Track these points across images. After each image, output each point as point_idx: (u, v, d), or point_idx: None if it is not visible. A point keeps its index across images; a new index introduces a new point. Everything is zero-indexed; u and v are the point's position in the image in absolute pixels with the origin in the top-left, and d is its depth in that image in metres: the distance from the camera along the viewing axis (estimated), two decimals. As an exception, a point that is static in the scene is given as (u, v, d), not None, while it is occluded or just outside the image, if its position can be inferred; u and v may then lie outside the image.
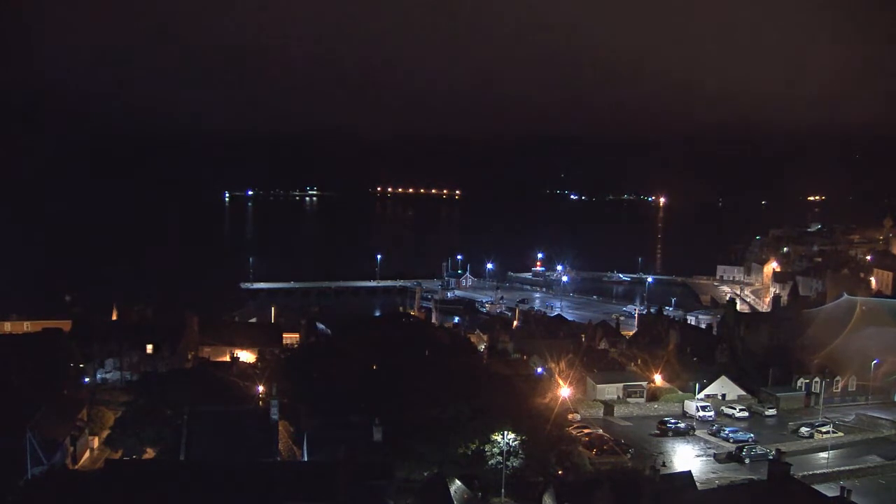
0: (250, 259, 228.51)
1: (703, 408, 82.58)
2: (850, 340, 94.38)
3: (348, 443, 54.67)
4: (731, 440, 74.88)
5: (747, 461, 68.91)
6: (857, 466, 68.89)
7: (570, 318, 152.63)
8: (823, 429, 76.89)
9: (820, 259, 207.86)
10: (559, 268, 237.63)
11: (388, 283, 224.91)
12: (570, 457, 64.61)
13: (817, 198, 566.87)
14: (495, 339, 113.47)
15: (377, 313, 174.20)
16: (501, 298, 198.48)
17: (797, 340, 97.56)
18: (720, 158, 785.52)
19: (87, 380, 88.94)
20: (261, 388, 77.20)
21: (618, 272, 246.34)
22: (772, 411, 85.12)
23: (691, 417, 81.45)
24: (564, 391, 79.46)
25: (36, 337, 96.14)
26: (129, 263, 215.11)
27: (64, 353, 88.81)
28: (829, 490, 56.27)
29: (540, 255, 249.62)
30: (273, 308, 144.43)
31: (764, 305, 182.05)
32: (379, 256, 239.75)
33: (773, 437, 77.24)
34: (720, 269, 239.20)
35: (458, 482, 53.55)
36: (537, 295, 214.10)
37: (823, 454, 71.66)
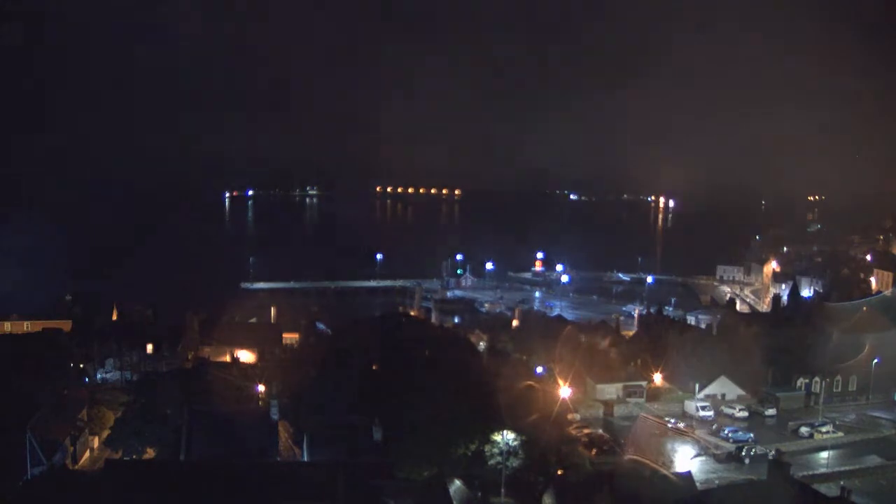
0: (250, 259, 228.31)
1: (703, 408, 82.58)
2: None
3: (348, 443, 54.80)
4: (731, 440, 74.85)
5: (747, 461, 68.94)
6: (857, 466, 69.00)
7: (570, 318, 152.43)
8: (823, 429, 76.88)
9: (820, 259, 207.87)
10: (559, 268, 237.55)
11: (388, 283, 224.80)
12: (570, 457, 64.62)
13: (817, 198, 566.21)
14: (495, 339, 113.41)
15: (377, 313, 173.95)
16: (501, 298, 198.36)
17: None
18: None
19: (87, 380, 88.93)
20: (261, 388, 77.25)
21: (618, 272, 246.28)
22: (772, 411, 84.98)
23: (691, 417, 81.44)
24: (564, 391, 79.44)
25: (36, 337, 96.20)
26: (129, 263, 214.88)
27: (64, 353, 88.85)
28: (829, 490, 56.32)
29: (540, 255, 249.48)
30: (273, 308, 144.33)
31: (764, 305, 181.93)
32: (379, 256, 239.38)
33: (773, 437, 77.19)
34: (720, 269, 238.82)
35: (458, 482, 53.58)
36: (537, 295, 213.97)
37: (823, 454, 71.69)
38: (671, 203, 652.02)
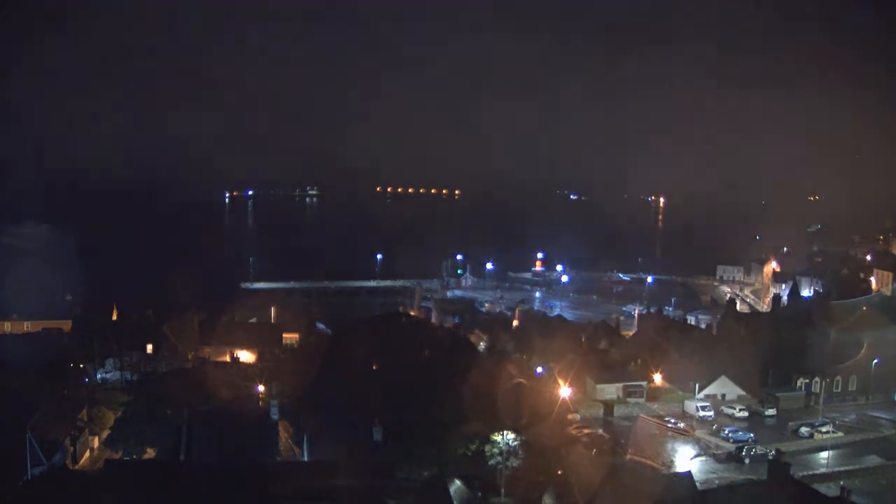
0: (250, 259, 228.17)
1: (703, 408, 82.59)
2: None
3: (348, 443, 54.83)
4: (731, 440, 74.86)
5: (747, 461, 68.92)
6: (857, 466, 68.98)
7: (570, 318, 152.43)
8: (823, 429, 76.89)
9: (820, 259, 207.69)
10: (559, 268, 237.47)
11: (388, 283, 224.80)
12: (570, 457, 64.59)
13: (817, 198, 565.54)
14: (495, 339, 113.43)
15: (377, 313, 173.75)
16: (501, 298, 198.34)
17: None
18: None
19: (87, 380, 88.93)
20: (261, 388, 77.27)
21: (618, 272, 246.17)
22: (772, 411, 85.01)
23: (691, 417, 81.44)
24: (564, 391, 79.43)
25: (36, 337, 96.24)
26: (130, 263, 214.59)
27: (64, 353, 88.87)
28: (829, 490, 56.34)
29: (540, 255, 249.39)
30: (273, 308, 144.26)
31: (764, 305, 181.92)
32: (379, 256, 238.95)
33: (773, 437, 77.17)
34: (720, 269, 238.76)
35: (458, 482, 53.59)
36: (537, 295, 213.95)
37: (823, 454, 71.69)
38: (670, 203, 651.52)
